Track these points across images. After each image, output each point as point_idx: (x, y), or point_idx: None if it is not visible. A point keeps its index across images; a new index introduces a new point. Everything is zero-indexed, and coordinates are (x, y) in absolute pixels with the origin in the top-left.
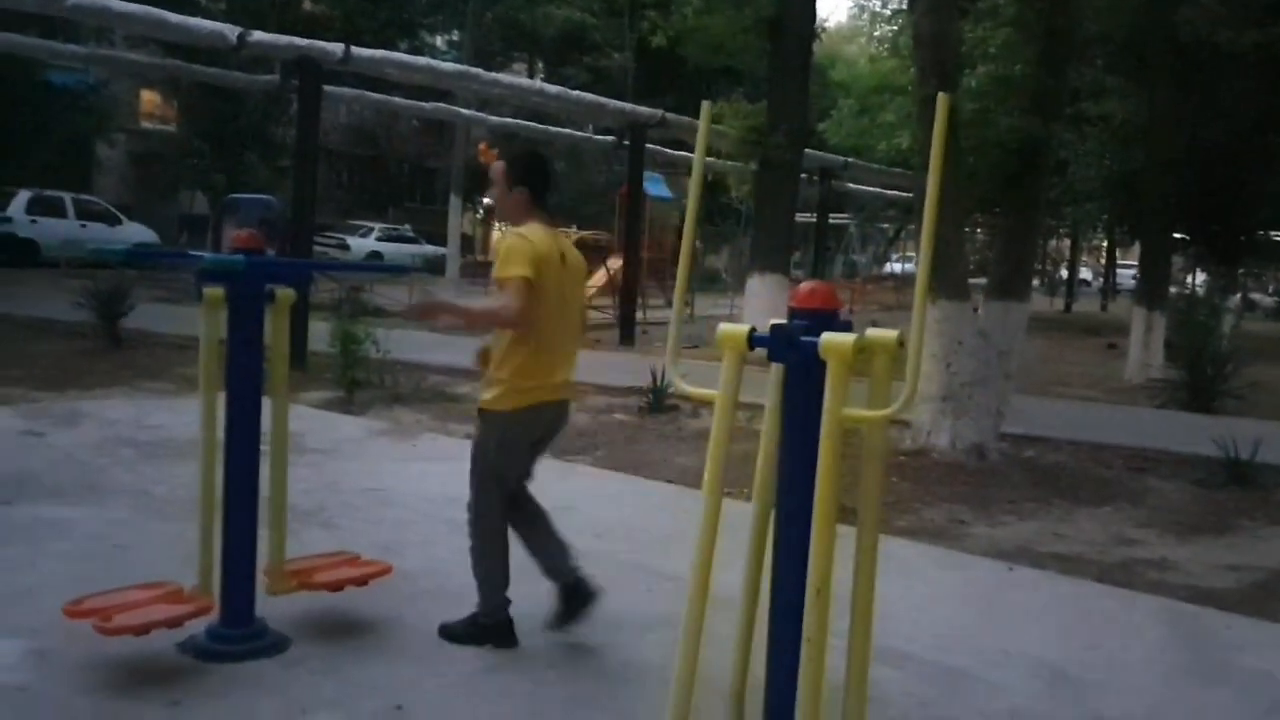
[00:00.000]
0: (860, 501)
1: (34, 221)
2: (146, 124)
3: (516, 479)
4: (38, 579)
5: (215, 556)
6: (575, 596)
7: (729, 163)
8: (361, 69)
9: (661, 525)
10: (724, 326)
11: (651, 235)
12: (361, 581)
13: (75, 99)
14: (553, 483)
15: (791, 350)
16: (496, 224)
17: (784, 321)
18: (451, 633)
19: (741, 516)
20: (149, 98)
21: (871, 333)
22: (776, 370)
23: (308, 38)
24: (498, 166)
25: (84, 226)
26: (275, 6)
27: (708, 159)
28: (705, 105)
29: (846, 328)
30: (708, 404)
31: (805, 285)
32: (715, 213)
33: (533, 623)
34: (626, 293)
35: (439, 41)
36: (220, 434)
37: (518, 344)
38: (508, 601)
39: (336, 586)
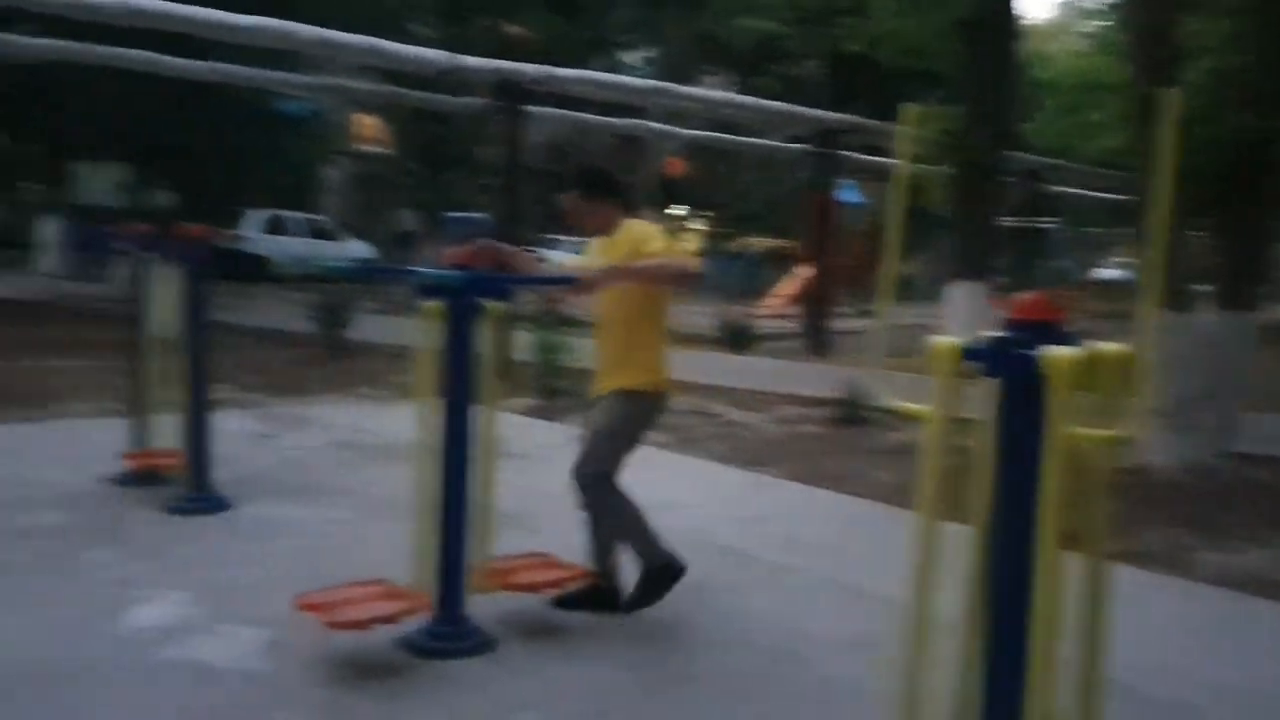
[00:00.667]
0: (1084, 525)
1: (268, 239)
2: (366, 147)
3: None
4: (267, 574)
5: (429, 556)
6: (598, 599)
7: (926, 167)
8: (559, 89)
9: (856, 541)
10: (934, 339)
11: (843, 243)
12: (558, 585)
13: (301, 125)
14: (744, 493)
15: (1009, 365)
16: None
17: (1000, 333)
18: (638, 600)
19: (952, 535)
20: (368, 123)
21: (1097, 346)
22: (992, 387)
23: (510, 60)
24: (569, 197)
25: (311, 243)
26: (480, 32)
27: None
28: (906, 108)
29: (1069, 340)
30: (920, 421)
31: (1026, 295)
32: (910, 218)
33: (733, 636)
34: (818, 301)
35: (635, 59)
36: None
37: (653, 330)
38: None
39: (535, 588)
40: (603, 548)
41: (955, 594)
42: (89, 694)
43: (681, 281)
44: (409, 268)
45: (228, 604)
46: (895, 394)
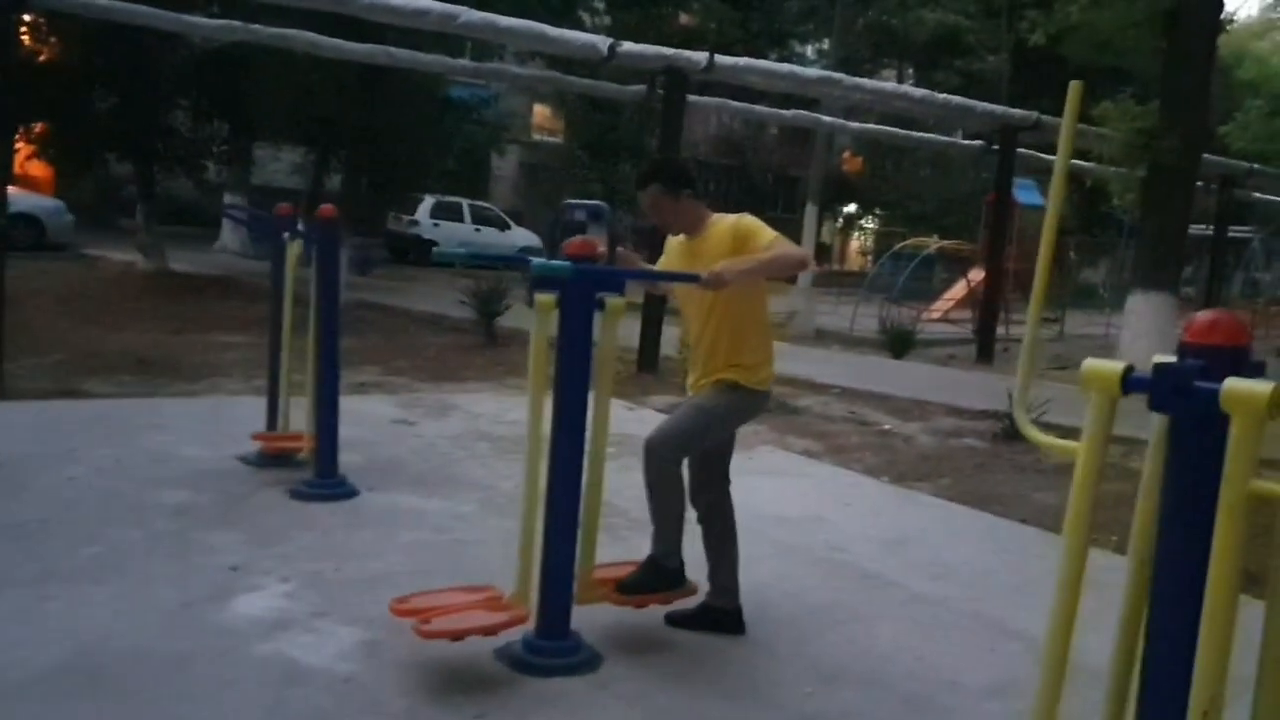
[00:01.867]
0: (1271, 566)
1: (436, 225)
2: (538, 136)
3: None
4: (383, 568)
5: (535, 563)
6: (718, 620)
7: (1111, 168)
8: (724, 77)
9: (1010, 571)
10: (1090, 364)
11: (1021, 245)
12: (665, 602)
13: (472, 112)
14: (890, 512)
15: (1182, 399)
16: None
17: (1171, 360)
18: (634, 586)
19: (1108, 570)
20: (540, 111)
21: None
22: (1160, 422)
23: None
24: (652, 191)
25: (478, 230)
26: (653, 20)
27: (1087, 164)
28: (1074, 85)
29: (1258, 371)
30: (1064, 456)
31: (1204, 314)
32: (1094, 222)
33: (857, 671)
34: (986, 306)
35: (809, 51)
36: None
37: (756, 324)
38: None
39: (641, 604)
40: (715, 562)
41: (1105, 636)
42: (174, 687)
43: (800, 270)
44: (522, 257)
45: (332, 598)
46: (1056, 409)
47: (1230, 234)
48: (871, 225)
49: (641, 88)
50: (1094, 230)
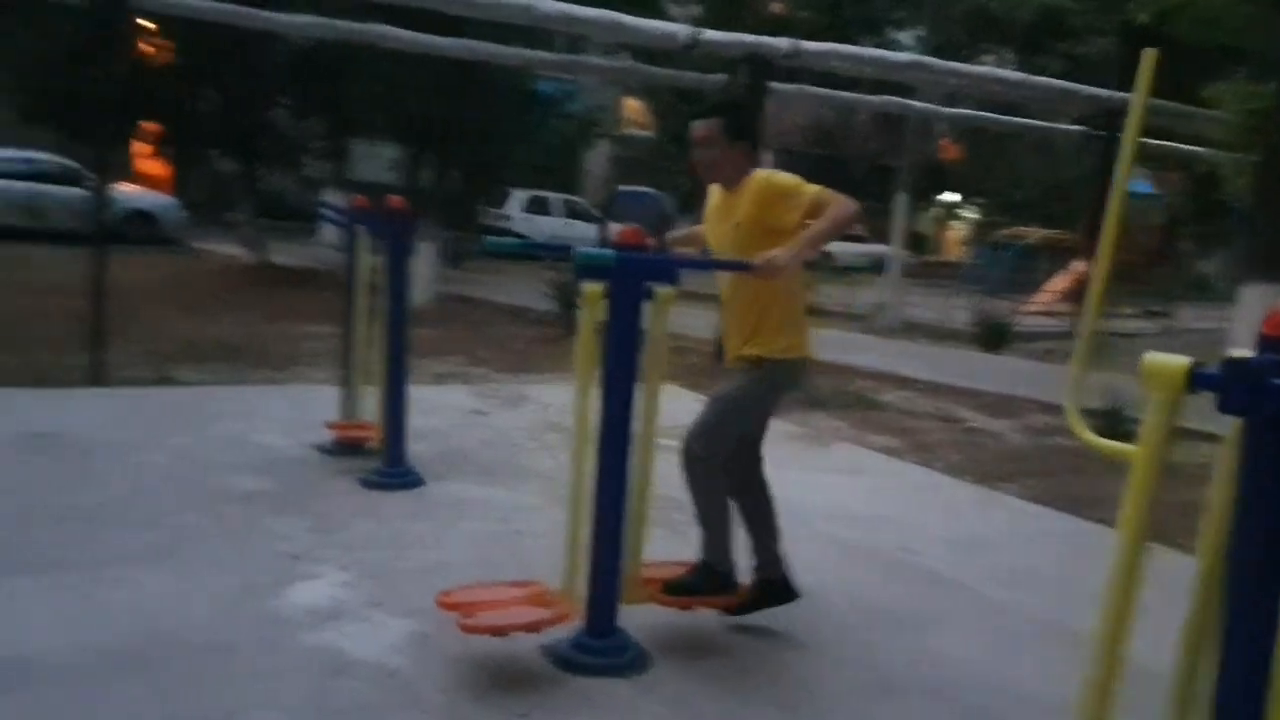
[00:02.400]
0: None
1: (528, 219)
2: (629, 130)
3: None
4: (441, 558)
5: (582, 558)
6: (773, 593)
7: (1224, 153)
8: (809, 64)
9: (1093, 578)
10: (1152, 358)
11: (1128, 236)
12: (715, 606)
13: (559, 106)
14: (969, 513)
15: (1255, 398)
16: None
17: (1245, 355)
18: (682, 587)
19: (1182, 572)
20: (630, 105)
21: None
22: (1235, 424)
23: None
24: (713, 124)
25: (568, 224)
26: (742, 9)
27: (1197, 149)
28: (1147, 53)
29: None
30: (1121, 459)
31: None
32: (1208, 210)
33: (920, 683)
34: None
35: (905, 38)
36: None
37: (789, 290)
38: (730, 551)
39: (686, 606)
40: (756, 536)
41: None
42: (220, 673)
43: (854, 224)
44: (568, 246)
45: (388, 588)
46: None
47: None
48: (971, 214)
49: (724, 77)
50: (1208, 219)
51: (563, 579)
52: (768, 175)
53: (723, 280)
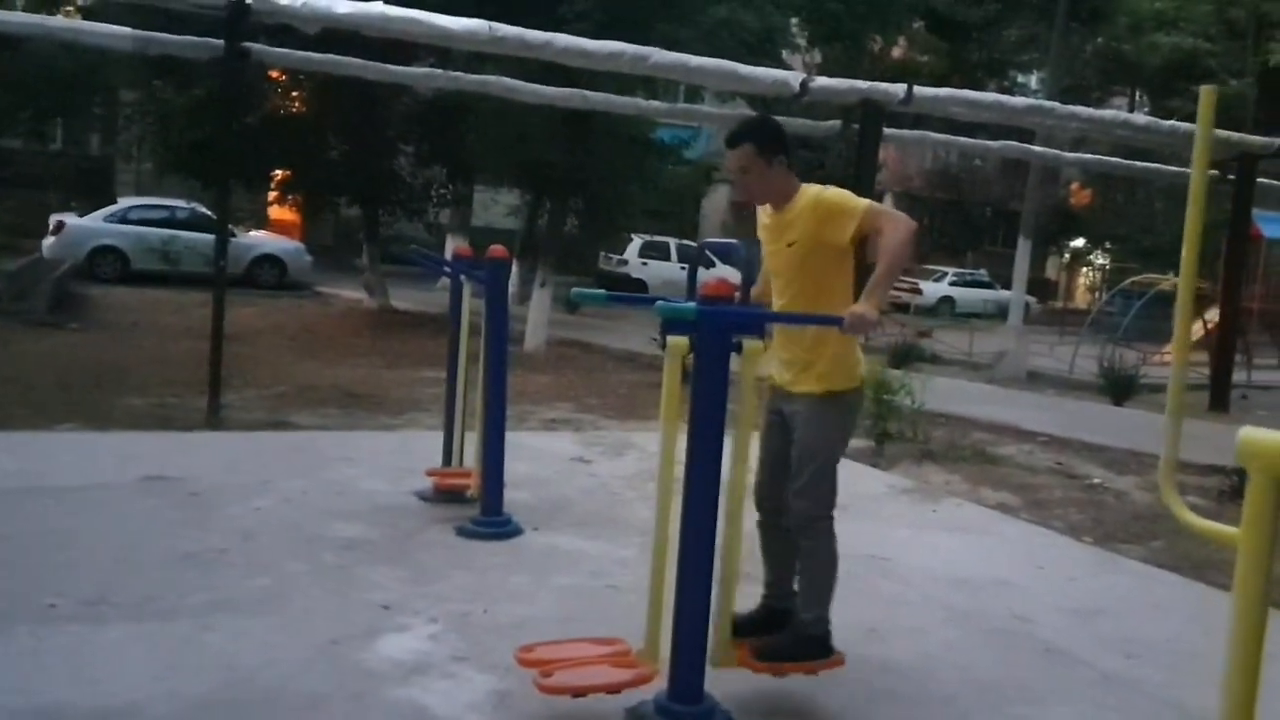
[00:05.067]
0: None
1: (645, 264)
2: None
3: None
4: (532, 612)
5: (667, 617)
6: (778, 620)
7: None
8: (925, 109)
9: (1219, 651)
10: (1247, 432)
11: (1266, 284)
12: (810, 671)
13: (673, 153)
14: (1087, 578)
15: None
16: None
17: None
18: (775, 652)
19: None
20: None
21: None
22: None
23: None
24: (745, 151)
25: (684, 269)
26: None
27: None
28: (1205, 90)
29: None
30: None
31: None
32: None
33: None
34: (1221, 348)
35: (1032, 81)
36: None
37: (842, 306)
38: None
39: (779, 672)
40: (780, 568)
41: None
42: None
43: (915, 246)
44: (653, 297)
45: (476, 642)
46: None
47: None
48: (1101, 260)
49: (834, 123)
50: None
51: (645, 640)
52: (817, 191)
53: (778, 282)
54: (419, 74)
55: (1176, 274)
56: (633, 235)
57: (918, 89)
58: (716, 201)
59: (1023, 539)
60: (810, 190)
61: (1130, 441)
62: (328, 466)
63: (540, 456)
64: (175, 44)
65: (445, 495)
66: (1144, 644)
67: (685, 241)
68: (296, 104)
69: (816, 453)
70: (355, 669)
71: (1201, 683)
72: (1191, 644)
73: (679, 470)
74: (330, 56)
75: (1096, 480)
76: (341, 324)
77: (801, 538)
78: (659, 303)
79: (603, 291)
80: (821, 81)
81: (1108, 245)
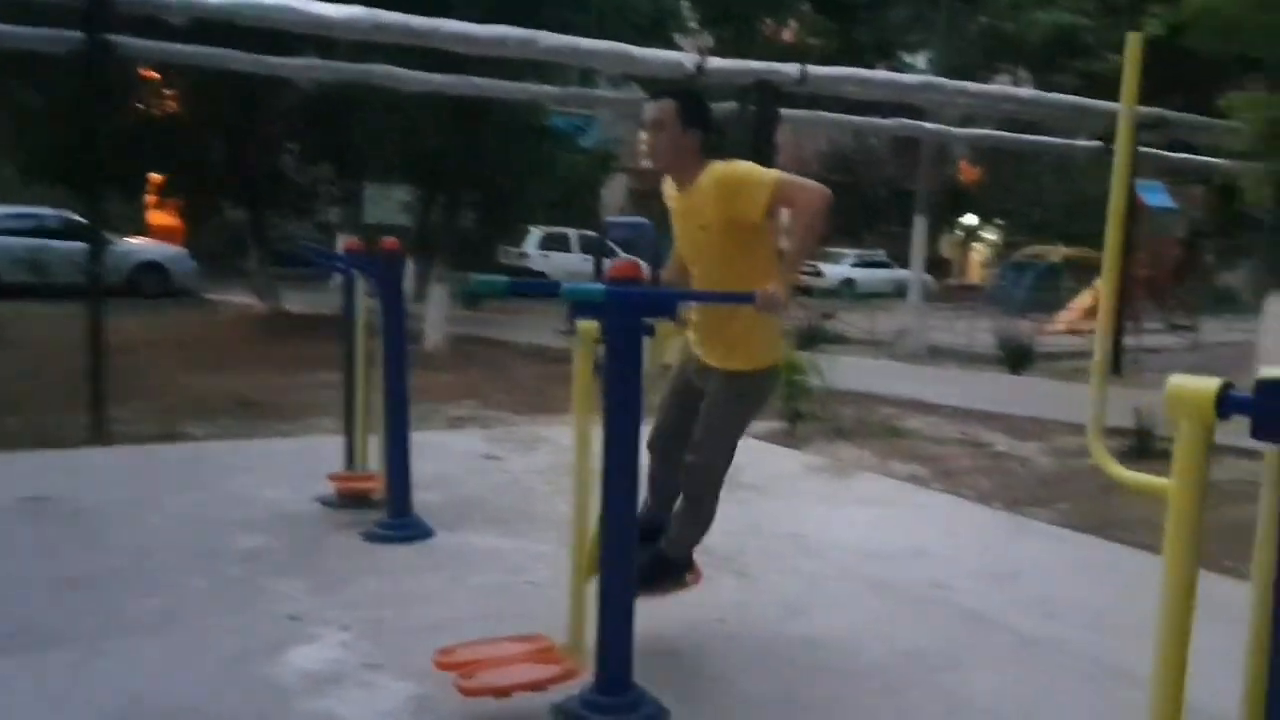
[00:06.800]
0: None
1: (545, 256)
2: (646, 163)
3: None
4: (449, 614)
5: (589, 609)
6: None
7: (1242, 163)
8: (820, 89)
9: (1135, 608)
10: (1176, 381)
11: (1149, 251)
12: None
13: (570, 141)
14: (1000, 543)
15: None
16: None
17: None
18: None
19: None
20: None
21: None
22: (1272, 456)
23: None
24: (666, 106)
25: (585, 259)
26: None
27: (1215, 160)
28: (1132, 36)
29: None
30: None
31: None
32: (1231, 222)
33: None
34: (1112, 315)
35: (919, 61)
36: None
37: (759, 284)
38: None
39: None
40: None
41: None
42: None
43: (828, 216)
44: (557, 282)
45: (391, 648)
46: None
47: None
48: (992, 236)
49: (730, 105)
50: (1232, 231)
51: (569, 633)
52: (722, 167)
53: (687, 253)
54: (297, 65)
55: (1065, 245)
56: (531, 227)
57: (812, 68)
58: (615, 190)
59: (935, 508)
60: (716, 167)
61: (1030, 409)
62: (225, 476)
63: (448, 455)
64: (28, 37)
65: (350, 500)
66: (1060, 603)
67: (586, 231)
68: (171, 102)
69: (721, 430)
70: (263, 684)
71: (1121, 638)
72: (1107, 601)
73: (595, 461)
74: (200, 49)
75: (1001, 448)
76: (231, 331)
77: (690, 486)
78: (565, 285)
79: (504, 279)
80: (717, 63)
81: (998, 221)
